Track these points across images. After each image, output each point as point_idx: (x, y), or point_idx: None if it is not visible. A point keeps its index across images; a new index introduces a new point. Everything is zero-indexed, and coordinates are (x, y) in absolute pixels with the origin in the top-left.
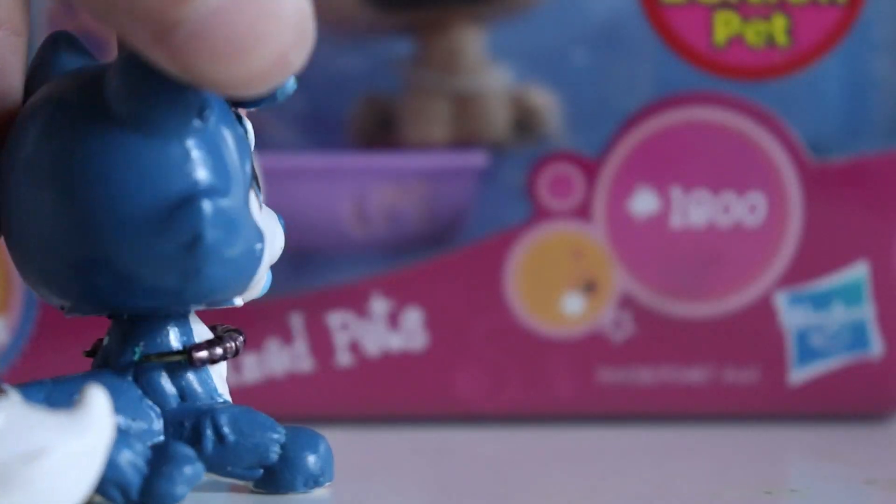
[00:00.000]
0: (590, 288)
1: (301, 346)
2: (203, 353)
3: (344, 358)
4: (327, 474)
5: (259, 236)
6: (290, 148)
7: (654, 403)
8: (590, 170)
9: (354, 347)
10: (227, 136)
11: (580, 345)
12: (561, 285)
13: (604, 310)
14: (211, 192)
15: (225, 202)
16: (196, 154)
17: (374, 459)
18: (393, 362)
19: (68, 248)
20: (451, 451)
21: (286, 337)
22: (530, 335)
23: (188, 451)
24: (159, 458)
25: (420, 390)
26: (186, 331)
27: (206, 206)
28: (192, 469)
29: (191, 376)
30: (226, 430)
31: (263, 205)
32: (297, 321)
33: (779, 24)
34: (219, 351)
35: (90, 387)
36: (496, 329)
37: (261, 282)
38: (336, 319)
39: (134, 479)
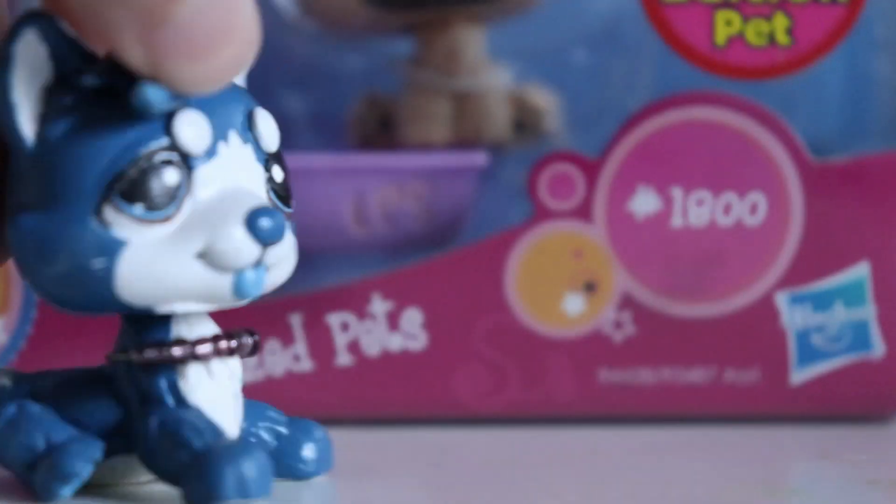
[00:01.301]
0: (590, 288)
1: (301, 346)
2: (151, 353)
3: (344, 358)
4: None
5: (101, 250)
6: (290, 148)
7: (655, 404)
8: (590, 170)
9: (354, 348)
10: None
11: (580, 345)
12: (561, 285)
13: (604, 310)
14: (23, 209)
15: (39, 220)
16: (24, 172)
17: (374, 459)
18: (393, 362)
19: None
20: (450, 451)
21: (286, 337)
22: (530, 335)
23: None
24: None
25: (420, 390)
26: (162, 330)
27: (17, 224)
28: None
29: (147, 377)
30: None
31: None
32: (296, 321)
33: (780, 24)
34: (173, 352)
35: None
36: (496, 329)
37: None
38: (336, 320)
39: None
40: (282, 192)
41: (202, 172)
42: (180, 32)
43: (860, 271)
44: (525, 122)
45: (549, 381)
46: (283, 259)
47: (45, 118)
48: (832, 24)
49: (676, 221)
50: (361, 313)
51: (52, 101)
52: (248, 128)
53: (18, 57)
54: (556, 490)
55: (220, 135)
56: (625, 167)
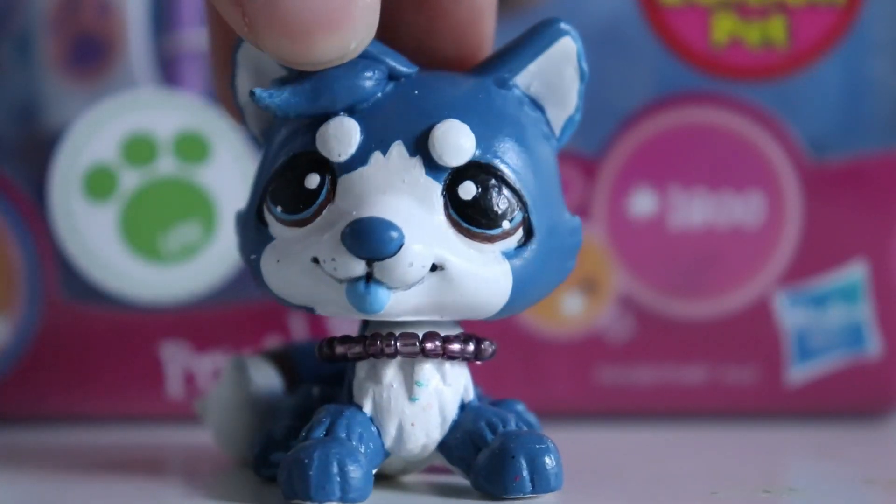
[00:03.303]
0: (589, 288)
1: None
2: (340, 348)
3: None
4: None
5: (256, 246)
6: None
7: (653, 402)
8: (589, 170)
9: None
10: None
11: (579, 344)
12: (560, 285)
13: (603, 309)
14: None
15: (241, 213)
16: None
17: None
18: None
19: None
20: None
21: (286, 337)
22: (530, 335)
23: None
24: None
25: None
26: (364, 327)
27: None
28: None
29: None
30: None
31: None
32: (296, 321)
33: (777, 26)
34: (349, 348)
35: None
36: (496, 329)
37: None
38: (336, 320)
39: None
40: (472, 212)
41: (346, 181)
42: (276, 8)
43: (857, 271)
44: None
45: (548, 380)
46: (403, 277)
47: (271, 123)
48: (829, 25)
49: (675, 221)
50: None
51: None
52: (423, 140)
53: (241, 64)
54: None
55: (376, 145)
56: (623, 168)
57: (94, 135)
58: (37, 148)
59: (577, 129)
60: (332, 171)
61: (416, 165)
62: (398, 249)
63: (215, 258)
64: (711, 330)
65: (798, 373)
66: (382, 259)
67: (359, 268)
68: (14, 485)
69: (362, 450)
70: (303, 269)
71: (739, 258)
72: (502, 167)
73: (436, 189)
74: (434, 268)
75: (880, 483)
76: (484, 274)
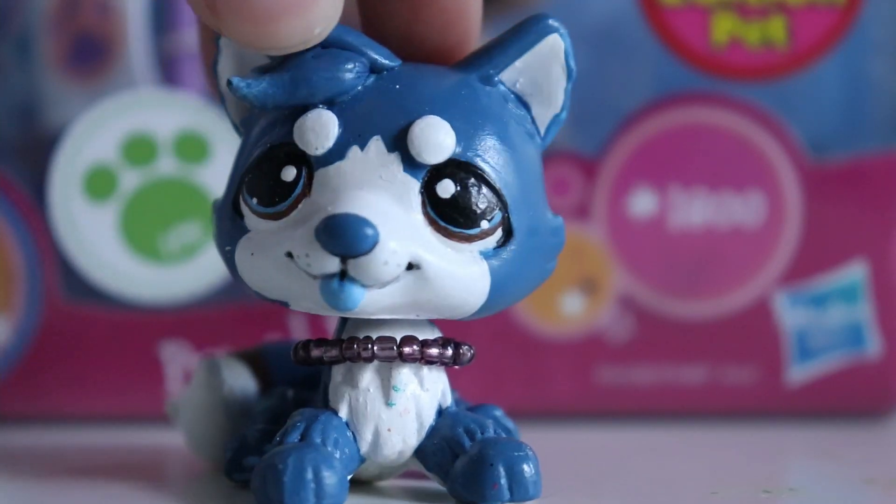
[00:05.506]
0: (589, 288)
1: None
2: (316, 351)
3: None
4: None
5: (231, 237)
6: None
7: (653, 402)
8: (589, 170)
9: None
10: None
11: (579, 344)
12: (560, 285)
13: (603, 309)
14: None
15: (217, 204)
16: None
17: None
18: None
19: None
20: None
21: (286, 337)
22: (530, 335)
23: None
24: None
25: None
26: (340, 329)
27: (212, 206)
28: None
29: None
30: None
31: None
32: (297, 321)
33: (777, 25)
34: (325, 352)
35: None
36: (496, 329)
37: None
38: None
39: None
40: (451, 210)
41: (322, 175)
42: None
43: (856, 270)
44: None
45: (548, 380)
46: (377, 274)
47: (249, 112)
48: (829, 25)
49: (674, 221)
50: None
51: None
52: (401, 136)
53: (224, 50)
54: (555, 488)
55: (354, 139)
56: (623, 167)
57: (94, 135)
58: (37, 148)
59: (576, 129)
60: (309, 165)
61: (394, 161)
62: (373, 247)
63: (215, 258)
64: (711, 330)
65: (798, 373)
66: (356, 256)
67: (333, 264)
68: (14, 485)
69: (337, 455)
70: (277, 263)
71: (739, 258)
72: (483, 165)
73: (414, 186)
74: (410, 266)
75: (880, 483)
76: (461, 274)
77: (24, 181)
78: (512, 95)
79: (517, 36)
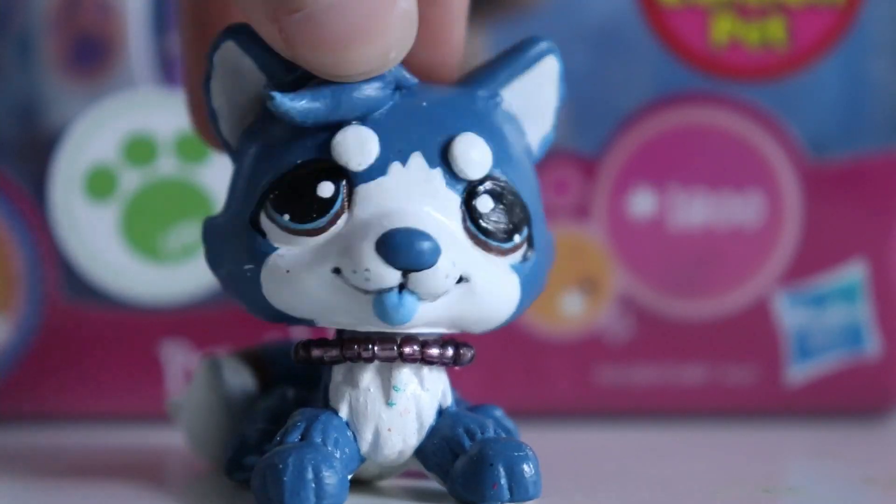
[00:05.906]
0: (589, 288)
1: None
2: (317, 351)
3: None
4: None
5: (253, 256)
6: None
7: (653, 402)
8: (588, 170)
9: None
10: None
11: (579, 344)
12: (560, 285)
13: (602, 309)
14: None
15: (218, 222)
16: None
17: None
18: None
19: None
20: None
21: (286, 337)
22: (529, 335)
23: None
24: None
25: None
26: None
27: (204, 223)
28: None
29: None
30: None
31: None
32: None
33: (777, 26)
34: (326, 352)
35: None
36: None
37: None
38: None
39: None
40: (489, 225)
41: (364, 190)
42: (311, 21)
43: (856, 270)
44: None
45: (547, 379)
46: (437, 288)
47: (250, 126)
48: (829, 26)
49: (674, 221)
50: None
51: (260, 111)
52: (443, 152)
53: (218, 67)
54: (554, 488)
55: (394, 155)
56: (623, 167)
57: (94, 135)
58: (37, 148)
59: (576, 129)
60: (348, 180)
61: (437, 177)
62: (437, 260)
63: None
64: (711, 330)
65: (797, 373)
66: (420, 270)
67: (394, 278)
68: (14, 485)
69: (338, 455)
70: (321, 279)
71: (739, 258)
72: (514, 181)
73: (455, 201)
74: (459, 280)
75: (880, 483)
76: (500, 287)
77: (24, 181)
78: (509, 115)
79: (515, 57)
